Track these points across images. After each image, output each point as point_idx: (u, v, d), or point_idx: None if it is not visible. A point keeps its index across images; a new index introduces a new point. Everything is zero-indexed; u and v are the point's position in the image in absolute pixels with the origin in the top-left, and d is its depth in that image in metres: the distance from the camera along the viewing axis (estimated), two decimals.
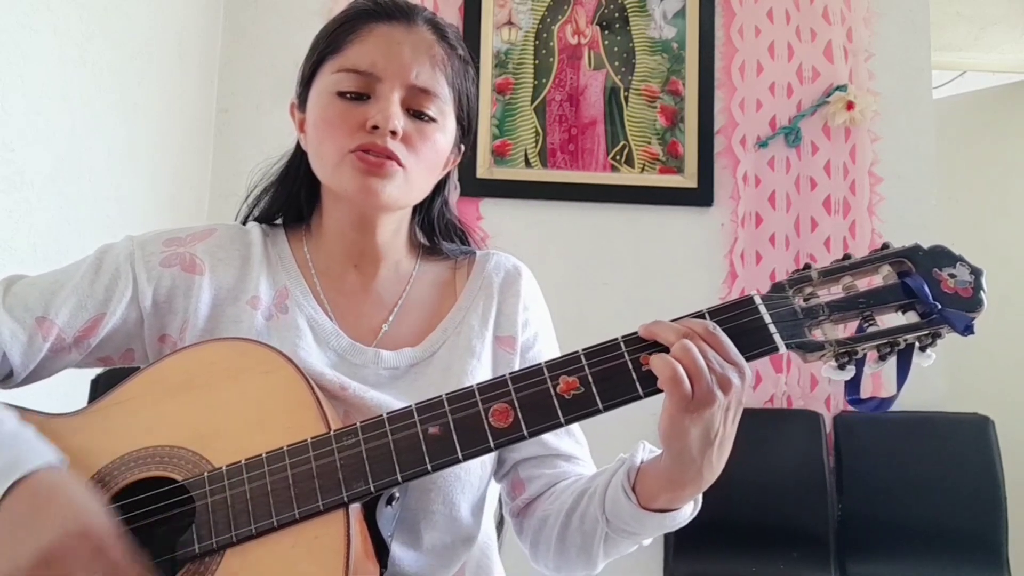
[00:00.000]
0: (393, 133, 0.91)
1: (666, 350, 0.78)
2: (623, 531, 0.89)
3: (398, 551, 0.91)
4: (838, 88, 2.60)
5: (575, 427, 1.04)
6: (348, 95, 0.93)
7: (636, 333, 0.81)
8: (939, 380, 2.43)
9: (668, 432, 0.78)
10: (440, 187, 1.07)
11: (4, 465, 0.76)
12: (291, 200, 1.06)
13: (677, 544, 2.32)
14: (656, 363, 0.76)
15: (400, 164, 0.93)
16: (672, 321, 0.81)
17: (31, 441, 0.80)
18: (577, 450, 1.03)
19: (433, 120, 0.95)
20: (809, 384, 2.51)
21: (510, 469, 1.03)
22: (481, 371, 1.00)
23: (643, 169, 2.60)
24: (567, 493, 0.97)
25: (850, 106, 2.57)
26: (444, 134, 0.98)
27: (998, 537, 2.27)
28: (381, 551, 0.82)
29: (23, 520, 0.74)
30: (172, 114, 2.27)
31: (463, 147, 1.06)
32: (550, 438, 0.99)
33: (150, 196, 2.14)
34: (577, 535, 0.94)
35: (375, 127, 0.91)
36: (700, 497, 0.88)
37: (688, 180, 2.59)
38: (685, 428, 0.77)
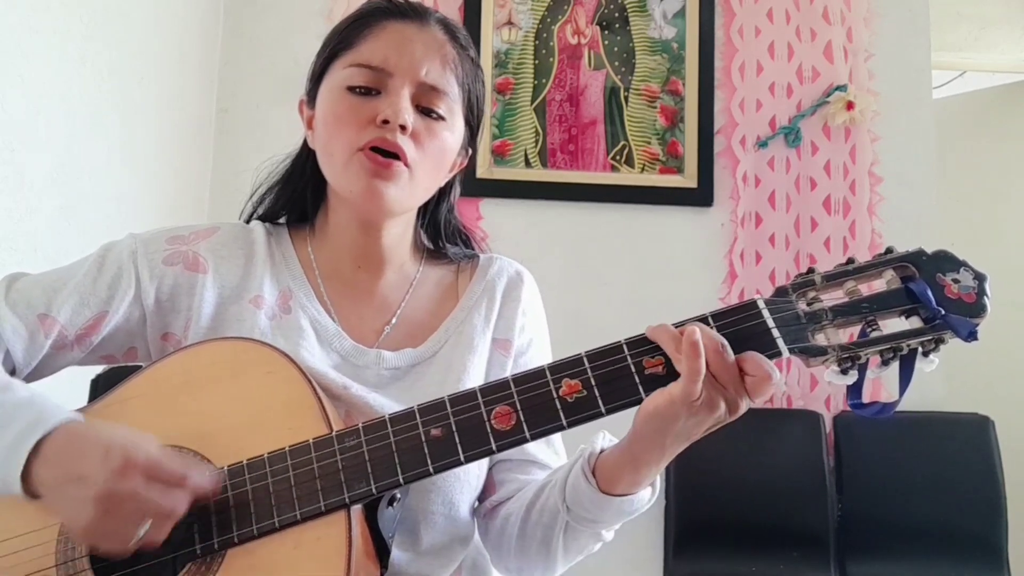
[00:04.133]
0: (403, 128, 0.91)
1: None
2: (583, 519, 0.89)
3: (396, 552, 0.91)
4: (838, 88, 2.60)
5: (555, 437, 1.04)
6: (359, 90, 0.94)
7: (639, 336, 0.81)
8: (939, 380, 2.43)
9: (658, 412, 0.78)
10: (447, 190, 1.07)
11: (29, 423, 0.78)
12: (296, 200, 1.06)
13: (677, 544, 2.32)
14: (687, 349, 0.76)
15: (407, 163, 0.93)
16: (676, 325, 0.81)
17: (48, 401, 0.82)
18: (554, 460, 1.03)
19: (442, 118, 0.96)
20: (809, 384, 2.51)
21: (488, 470, 1.03)
22: (479, 369, 1.00)
23: (643, 169, 2.60)
24: (527, 490, 0.97)
25: (850, 106, 2.57)
26: (452, 133, 0.98)
27: (998, 537, 2.28)
28: (381, 552, 0.82)
29: (67, 474, 0.75)
30: (172, 114, 2.27)
31: (470, 150, 1.06)
32: (530, 445, 0.99)
33: (150, 196, 2.14)
34: (537, 528, 0.93)
35: (385, 121, 0.91)
36: (658, 482, 0.89)
37: (688, 180, 2.59)
38: (675, 417, 0.77)
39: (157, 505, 0.75)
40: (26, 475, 0.76)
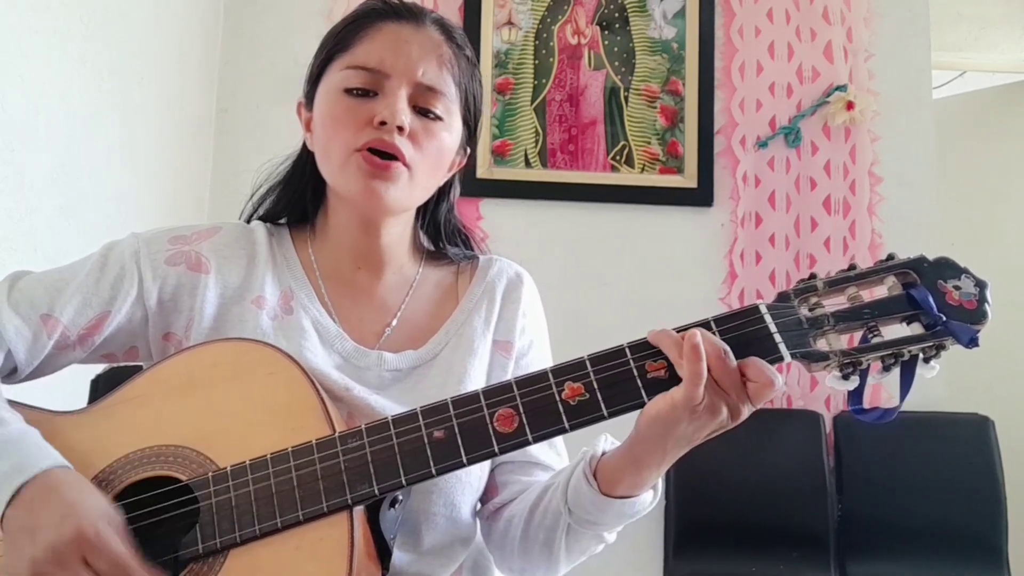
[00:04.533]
0: (400, 129, 0.92)
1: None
2: (585, 521, 0.89)
3: (397, 553, 0.91)
4: (838, 88, 2.60)
5: (558, 440, 1.04)
6: (355, 92, 0.94)
7: (641, 340, 0.81)
8: (939, 381, 2.40)
9: (660, 416, 0.78)
10: (446, 191, 1.07)
11: (8, 469, 0.77)
12: (296, 200, 1.06)
13: (677, 544, 2.32)
14: (689, 353, 0.76)
15: (405, 163, 0.93)
16: (678, 330, 0.81)
17: (37, 443, 0.81)
18: (556, 462, 1.03)
19: (439, 118, 0.96)
20: (809, 384, 2.51)
21: (490, 472, 1.03)
22: (480, 371, 1.00)
23: (643, 169, 2.60)
24: (530, 492, 0.98)
25: (850, 106, 2.57)
26: (450, 133, 0.98)
27: (998, 537, 2.28)
28: (383, 553, 0.83)
29: (24, 525, 0.75)
30: (172, 114, 2.27)
31: (468, 150, 1.06)
32: (533, 447, 1.00)
33: (150, 196, 2.14)
34: (540, 530, 0.93)
35: (382, 123, 0.91)
36: (660, 485, 0.89)
37: (688, 180, 2.59)
38: (677, 421, 0.78)
39: None
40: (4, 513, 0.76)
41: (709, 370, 0.76)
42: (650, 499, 0.89)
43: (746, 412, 0.78)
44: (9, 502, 0.75)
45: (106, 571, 0.73)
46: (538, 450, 1.01)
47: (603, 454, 0.88)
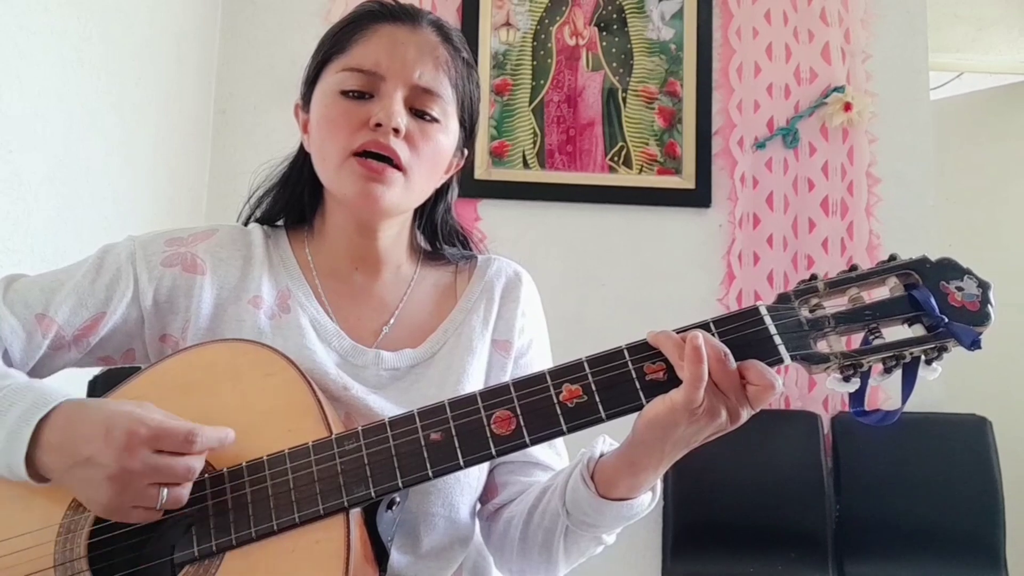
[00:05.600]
0: (396, 131, 0.92)
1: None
2: (583, 523, 0.89)
3: (396, 555, 0.91)
4: (836, 89, 2.60)
5: (558, 440, 1.04)
6: (352, 94, 0.94)
7: (640, 342, 0.81)
8: (937, 381, 2.41)
9: (658, 418, 0.78)
10: (443, 192, 1.07)
11: (27, 407, 0.79)
12: (293, 202, 1.06)
13: (675, 545, 2.32)
14: (690, 354, 0.76)
15: (401, 166, 0.93)
16: (677, 331, 0.81)
17: (46, 385, 0.83)
18: (556, 462, 1.04)
19: (436, 120, 0.96)
20: (807, 385, 2.51)
21: (489, 472, 1.03)
22: (478, 370, 1.00)
23: (641, 170, 2.60)
24: (530, 493, 0.98)
25: (848, 107, 2.57)
26: (447, 135, 0.98)
27: (996, 538, 2.28)
28: (380, 555, 0.82)
29: (73, 458, 0.76)
30: (170, 115, 2.26)
31: (466, 151, 1.06)
32: (532, 447, 1.00)
33: (148, 197, 2.13)
34: (539, 532, 0.93)
35: (378, 125, 0.91)
36: (659, 486, 0.88)
37: (686, 181, 2.59)
38: (675, 424, 0.77)
39: (170, 471, 0.76)
40: (30, 459, 0.77)
41: (709, 373, 0.76)
42: (648, 501, 0.88)
43: (745, 415, 0.78)
44: (34, 442, 0.77)
45: (178, 446, 0.77)
46: (538, 450, 1.02)
47: (601, 456, 0.88)
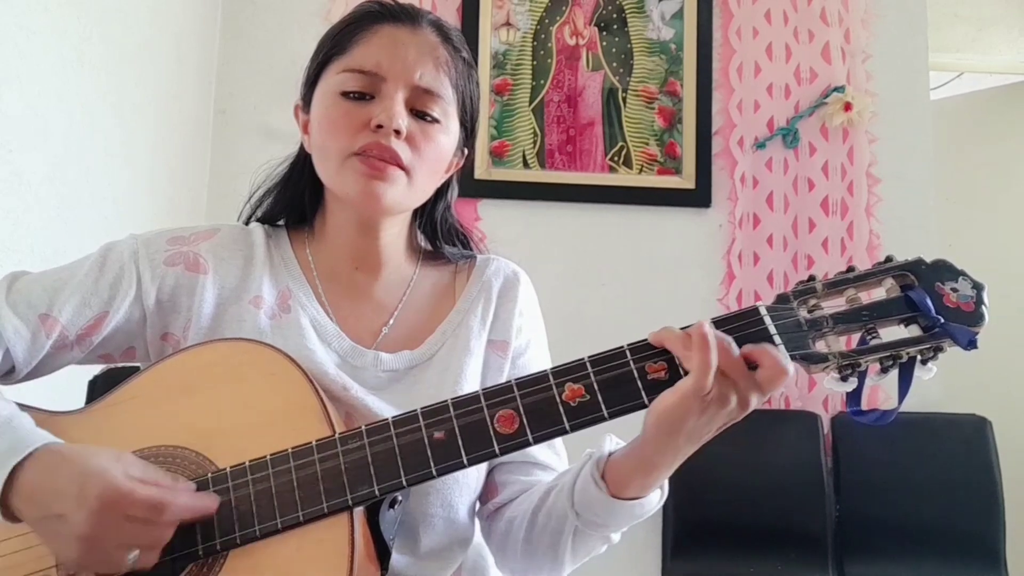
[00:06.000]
0: (397, 132, 0.92)
1: (672, 358, 0.79)
2: (593, 523, 0.89)
3: (395, 555, 0.91)
4: (836, 89, 2.60)
5: (557, 440, 1.04)
6: (352, 95, 0.94)
7: (642, 341, 0.81)
8: (936, 382, 2.41)
9: (668, 411, 0.78)
10: (443, 191, 1.07)
11: (7, 447, 0.77)
12: (294, 202, 1.06)
13: (675, 545, 2.32)
14: (698, 342, 0.76)
15: (403, 166, 0.93)
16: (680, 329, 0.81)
17: (25, 425, 0.81)
18: (555, 462, 1.04)
19: (436, 121, 0.96)
20: (807, 385, 2.51)
21: (488, 472, 1.03)
22: (475, 371, 1.00)
23: (641, 170, 2.60)
24: (532, 493, 0.97)
25: (848, 107, 2.57)
26: (447, 135, 0.98)
27: (996, 538, 2.28)
28: (382, 554, 0.82)
29: (45, 512, 0.75)
30: (170, 115, 2.26)
31: (466, 151, 1.06)
32: (532, 447, 1.00)
33: (148, 197, 2.13)
34: (544, 533, 0.93)
35: (379, 126, 0.91)
36: (666, 484, 0.88)
37: (686, 181, 2.59)
38: (686, 415, 0.77)
39: (138, 540, 0.76)
40: (4, 500, 0.76)
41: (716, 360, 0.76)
42: (658, 498, 0.89)
43: (755, 401, 0.78)
44: (8, 488, 0.76)
45: (147, 517, 0.75)
46: (537, 450, 1.02)
47: (609, 456, 0.88)
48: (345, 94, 0.94)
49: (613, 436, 0.91)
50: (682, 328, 0.80)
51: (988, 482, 2.31)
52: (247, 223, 1.08)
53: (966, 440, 2.39)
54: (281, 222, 1.08)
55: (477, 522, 1.03)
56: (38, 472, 0.76)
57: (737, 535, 2.31)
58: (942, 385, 2.45)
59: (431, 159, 0.96)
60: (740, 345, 0.78)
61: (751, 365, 0.77)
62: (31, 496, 0.76)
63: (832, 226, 2.59)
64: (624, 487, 0.86)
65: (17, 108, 1.55)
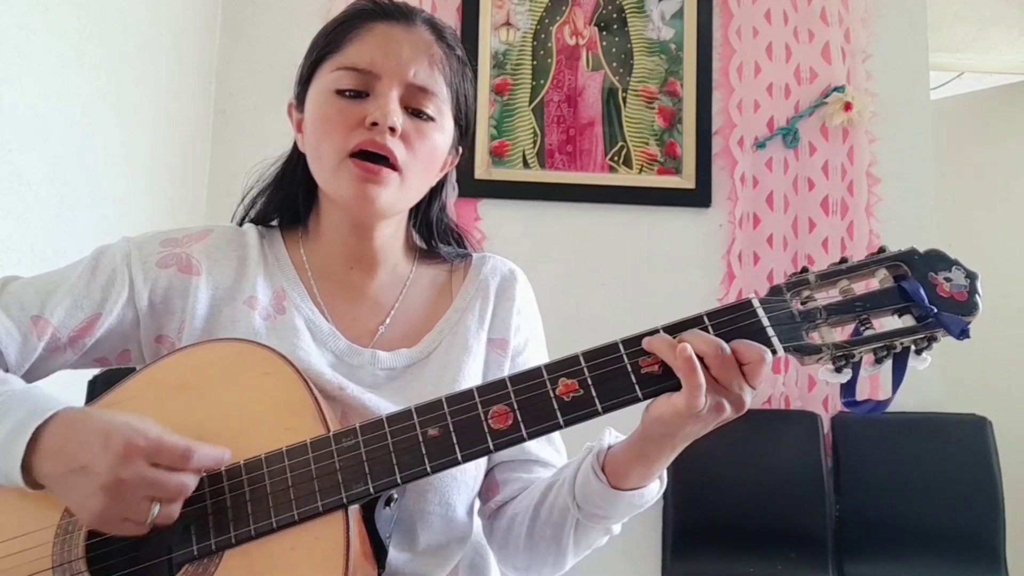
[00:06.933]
0: (392, 130, 0.92)
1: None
2: (595, 515, 0.90)
3: (393, 553, 0.91)
4: (836, 89, 2.60)
5: (555, 435, 1.04)
6: (347, 93, 0.94)
7: (635, 336, 0.81)
8: (936, 381, 2.43)
9: (663, 420, 0.79)
10: (438, 190, 1.08)
11: (25, 413, 0.78)
12: (288, 202, 1.06)
13: (675, 545, 2.32)
14: (683, 367, 0.76)
15: (397, 166, 0.93)
16: (672, 328, 0.81)
17: (44, 392, 0.83)
18: (555, 458, 1.04)
19: (431, 119, 0.96)
20: (807, 385, 2.51)
21: (489, 470, 1.04)
22: (475, 370, 1.00)
23: (641, 170, 2.60)
24: (533, 489, 0.98)
25: (848, 107, 2.57)
26: (442, 133, 0.98)
27: (996, 537, 2.27)
28: (379, 552, 0.83)
29: (69, 465, 0.76)
30: (169, 115, 2.26)
31: (460, 149, 1.06)
32: (531, 443, 1.00)
33: (148, 197, 2.14)
34: (547, 527, 0.94)
35: (374, 124, 0.91)
36: (665, 473, 0.89)
37: (686, 181, 2.59)
38: (682, 425, 0.78)
39: (164, 486, 0.76)
40: (27, 466, 0.77)
41: (709, 370, 0.77)
42: (657, 488, 0.90)
43: (748, 398, 0.78)
44: (30, 449, 0.76)
45: (174, 463, 0.76)
46: (536, 447, 1.02)
47: (609, 448, 0.89)
48: (339, 92, 0.94)
49: (612, 430, 0.91)
50: (674, 324, 0.81)
51: (988, 482, 2.31)
52: (240, 224, 1.08)
53: (966, 440, 2.38)
54: (275, 222, 1.08)
55: (475, 519, 1.04)
56: (61, 430, 0.77)
57: (737, 535, 2.31)
58: (942, 385, 2.45)
59: (425, 157, 0.96)
60: (733, 338, 0.78)
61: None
62: (54, 452, 0.76)
63: (832, 226, 2.59)
64: (624, 478, 0.86)
65: (17, 108, 1.55)
